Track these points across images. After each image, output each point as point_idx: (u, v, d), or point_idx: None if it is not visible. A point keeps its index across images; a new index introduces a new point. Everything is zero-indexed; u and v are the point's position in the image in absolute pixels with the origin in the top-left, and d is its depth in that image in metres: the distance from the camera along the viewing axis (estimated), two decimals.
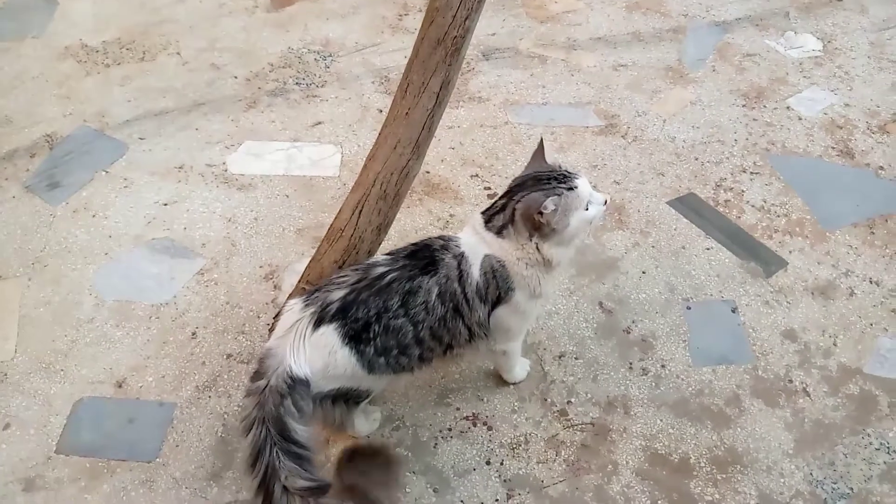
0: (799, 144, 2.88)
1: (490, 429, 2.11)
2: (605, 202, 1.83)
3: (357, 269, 1.81)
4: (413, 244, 1.87)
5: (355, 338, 1.74)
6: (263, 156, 2.87)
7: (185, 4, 3.58)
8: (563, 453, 2.05)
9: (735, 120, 2.98)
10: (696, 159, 2.83)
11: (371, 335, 1.74)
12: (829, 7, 3.49)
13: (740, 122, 2.96)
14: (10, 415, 2.13)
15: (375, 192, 2.01)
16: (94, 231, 2.62)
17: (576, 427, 2.11)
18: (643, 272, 2.49)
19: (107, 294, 2.43)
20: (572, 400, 2.17)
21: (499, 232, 1.81)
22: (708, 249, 2.55)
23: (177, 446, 2.08)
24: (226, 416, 2.14)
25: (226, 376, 2.23)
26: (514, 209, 1.78)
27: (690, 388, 2.20)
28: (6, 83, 3.17)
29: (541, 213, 1.72)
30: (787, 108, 3.02)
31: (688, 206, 2.67)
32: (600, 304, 2.40)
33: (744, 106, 3.03)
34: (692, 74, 3.17)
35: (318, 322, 1.73)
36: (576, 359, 2.27)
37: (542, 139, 1.88)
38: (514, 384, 2.20)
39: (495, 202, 1.86)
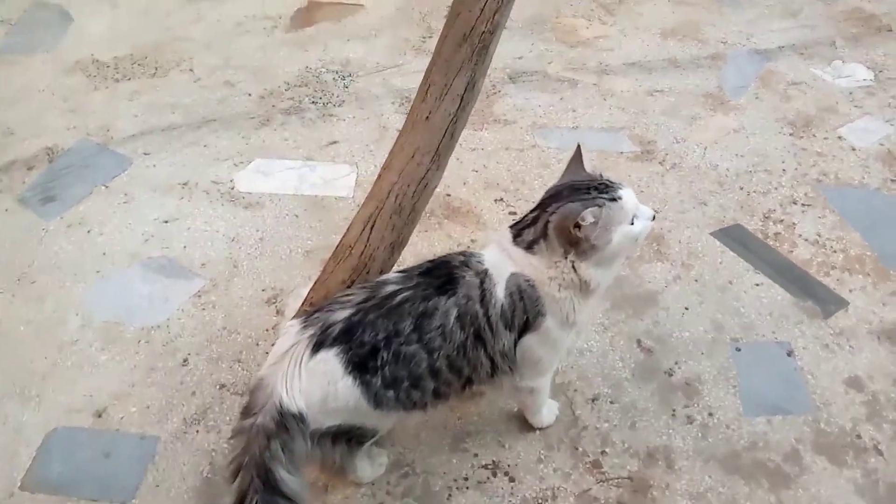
0: (854, 176, 2.64)
1: (512, 480, 1.84)
2: (653, 217, 1.61)
3: (365, 287, 1.59)
4: (429, 261, 1.65)
5: (360, 366, 1.50)
6: (273, 174, 2.68)
7: (202, 24, 3.46)
8: None
9: (782, 149, 2.75)
10: (742, 189, 2.60)
11: (379, 363, 1.51)
12: (879, 36, 3.30)
13: (788, 152, 2.74)
14: None
15: (390, 206, 1.80)
16: (87, 247, 2.43)
17: (611, 481, 1.84)
18: (686, 308, 2.24)
19: (94, 314, 2.22)
20: (607, 450, 1.90)
21: (529, 247, 1.58)
22: (758, 285, 2.29)
23: (156, 486, 1.84)
24: (214, 453, 1.90)
25: (217, 409, 1.99)
26: (548, 221, 1.55)
27: (742, 441, 1.92)
28: (11, 95, 3.04)
29: (578, 227, 1.49)
30: (839, 137, 2.79)
31: (734, 238, 2.43)
32: (638, 342, 2.15)
33: (791, 135, 2.81)
34: (734, 102, 2.97)
35: (318, 346, 1.50)
36: (611, 402, 2.01)
37: (578, 146, 1.66)
38: (540, 429, 1.94)
39: (526, 215, 1.63)
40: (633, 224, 1.56)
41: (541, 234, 1.57)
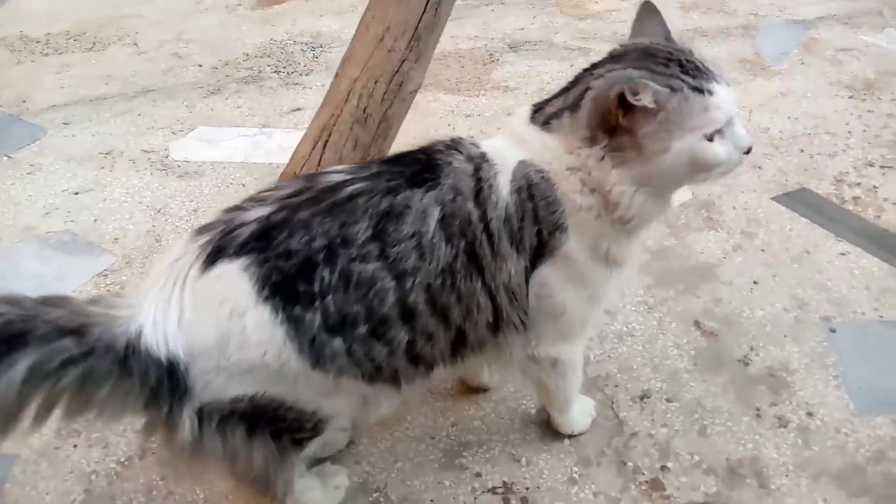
0: None
1: None
2: (749, 149, 1.05)
3: (297, 181, 1.03)
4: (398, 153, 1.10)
5: (285, 289, 0.93)
6: (219, 142, 2.16)
7: (157, 4, 3.02)
8: None
9: (844, 111, 2.26)
10: (802, 151, 2.09)
11: (316, 288, 0.94)
12: None
13: (851, 114, 2.25)
14: None
15: (349, 112, 1.30)
16: None
17: None
18: (755, 282, 1.68)
19: None
20: (669, 464, 1.31)
21: (547, 122, 1.04)
22: (844, 255, 1.75)
23: None
24: (94, 476, 1.29)
25: None
26: (588, 87, 1.02)
27: (864, 450, 1.33)
28: None
29: (625, 105, 0.95)
30: None
31: (803, 202, 1.90)
32: (697, 323, 1.58)
33: (851, 97, 2.32)
34: (775, 67, 2.50)
35: (215, 256, 0.94)
36: (667, 401, 1.42)
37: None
38: (571, 436, 1.35)
39: (558, 88, 1.10)
40: (712, 140, 1.00)
41: (572, 103, 1.03)
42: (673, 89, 0.97)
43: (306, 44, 2.69)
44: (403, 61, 1.28)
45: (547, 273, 1.07)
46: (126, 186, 1.99)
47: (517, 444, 1.35)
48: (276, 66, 2.55)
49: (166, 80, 2.49)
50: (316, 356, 0.96)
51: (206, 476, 1.19)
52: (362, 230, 0.96)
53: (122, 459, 1.33)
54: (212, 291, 0.92)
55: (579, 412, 1.34)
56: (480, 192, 1.02)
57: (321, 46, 2.67)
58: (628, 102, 0.95)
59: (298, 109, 2.30)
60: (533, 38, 2.72)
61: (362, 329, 0.98)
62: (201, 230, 0.98)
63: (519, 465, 1.31)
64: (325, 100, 1.33)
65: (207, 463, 1.01)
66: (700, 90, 0.97)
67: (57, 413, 0.94)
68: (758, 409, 1.41)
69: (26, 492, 1.28)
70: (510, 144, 1.07)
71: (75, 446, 1.35)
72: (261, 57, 2.61)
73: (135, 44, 2.71)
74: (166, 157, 2.10)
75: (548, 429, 1.36)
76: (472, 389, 1.44)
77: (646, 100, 0.95)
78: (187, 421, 0.95)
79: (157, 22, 2.86)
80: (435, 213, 0.99)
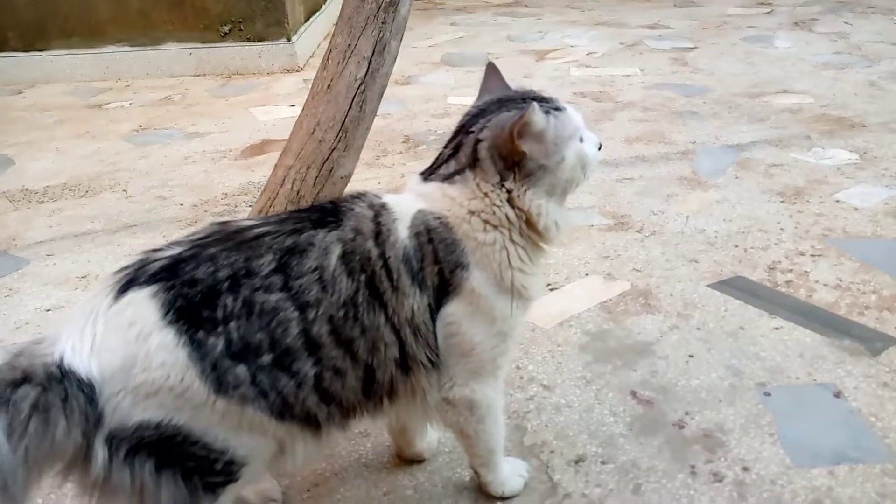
0: (865, 230, 2.26)
1: None
2: (600, 146, 1.23)
3: (210, 227, 1.14)
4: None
5: (189, 314, 1.00)
6: None
7: (149, 159, 3.31)
8: None
9: (776, 213, 2.41)
10: (737, 247, 2.21)
11: (219, 315, 1.01)
12: (854, 130, 3.12)
13: (783, 215, 2.39)
14: None
15: (284, 195, 1.44)
16: None
17: None
18: (690, 356, 1.72)
19: None
20: None
21: (448, 178, 1.18)
22: (778, 329, 1.80)
23: None
24: None
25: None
26: (478, 141, 1.16)
27: (800, 499, 1.31)
28: None
29: (521, 135, 1.11)
30: (837, 201, 2.46)
31: (737, 287, 1.98)
32: (633, 393, 1.60)
33: (782, 202, 2.48)
34: (711, 182, 2.69)
35: (126, 286, 1.02)
36: (602, 463, 1.42)
37: (490, 62, 1.31)
38: (502, 498, 1.33)
39: (440, 154, 1.24)
40: (582, 142, 1.18)
41: (468, 161, 1.17)
42: (546, 111, 1.14)
43: None
44: (333, 150, 1.44)
45: (454, 310, 1.15)
46: None
47: None
48: (251, 202, 2.75)
49: (148, 216, 2.68)
50: (218, 381, 1.01)
51: None
52: (266, 263, 1.05)
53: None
54: (121, 316, 1.00)
55: (510, 473, 1.34)
56: (380, 234, 1.12)
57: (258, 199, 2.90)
58: (521, 133, 1.11)
59: None
60: None
61: (266, 358, 1.04)
62: (119, 270, 1.07)
63: None
64: (264, 187, 1.48)
65: (117, 499, 1.02)
66: (559, 109, 1.17)
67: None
68: (693, 467, 1.40)
69: None
70: (409, 197, 1.19)
71: None
72: (238, 195, 2.83)
73: (124, 190, 2.95)
74: None
75: (480, 494, 1.35)
76: (406, 461, 1.44)
77: (539, 123, 1.11)
78: (99, 451, 0.98)
79: (147, 173, 3.13)
80: (336, 250, 1.09)
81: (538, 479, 1.39)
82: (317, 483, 1.41)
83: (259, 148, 3.38)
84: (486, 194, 1.15)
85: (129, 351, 0.98)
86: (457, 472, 1.42)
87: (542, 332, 1.83)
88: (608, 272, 2.11)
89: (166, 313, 0.99)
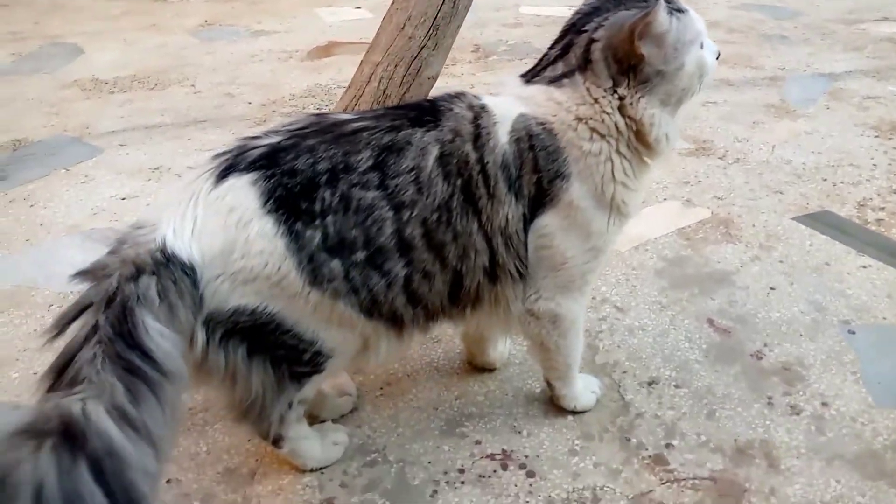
0: None
1: (531, 475, 1.22)
2: (718, 55, 1.15)
3: (307, 118, 1.10)
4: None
5: (288, 204, 0.99)
6: None
7: (215, 56, 3.29)
8: None
9: (869, 148, 2.27)
10: (825, 180, 2.10)
11: (317, 207, 0.99)
12: None
13: (877, 150, 2.26)
14: None
15: (370, 93, 1.39)
16: (24, 219, 2.01)
17: (684, 482, 1.20)
18: (771, 288, 1.66)
19: (4, 278, 1.76)
20: (674, 442, 1.28)
21: (554, 81, 1.12)
22: (865, 267, 1.72)
23: None
24: None
25: None
26: (591, 41, 1.09)
27: (882, 438, 1.27)
28: None
29: (643, 36, 1.03)
30: None
31: (824, 222, 1.90)
32: (710, 321, 1.57)
33: (877, 137, 2.34)
34: (801, 111, 2.54)
35: (226, 172, 1.00)
36: (676, 387, 1.40)
37: None
38: (574, 412, 1.34)
39: (545, 55, 1.17)
40: (702, 48, 1.10)
41: (578, 63, 1.10)
42: (670, 12, 1.05)
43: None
44: (422, 48, 1.39)
45: (548, 222, 1.11)
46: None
47: (519, 417, 1.34)
48: (319, 105, 2.72)
49: (217, 113, 2.68)
50: (313, 273, 1.00)
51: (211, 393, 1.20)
52: (364, 159, 1.02)
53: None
54: (222, 202, 0.99)
55: (583, 388, 1.33)
56: (479, 136, 1.08)
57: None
58: (643, 34, 1.03)
59: None
60: None
61: (360, 254, 1.02)
62: (217, 156, 1.05)
63: (520, 436, 1.30)
64: (349, 84, 1.44)
65: (212, 380, 1.04)
66: (682, 10, 1.08)
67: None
68: (770, 398, 1.37)
69: None
70: (510, 100, 1.14)
71: None
72: (305, 97, 2.79)
73: (192, 85, 2.94)
74: None
75: (551, 406, 1.35)
76: (477, 368, 1.45)
77: (662, 24, 1.03)
78: (199, 333, 0.99)
79: (214, 69, 3.11)
80: (434, 151, 1.06)
81: (609, 397, 1.38)
82: (389, 382, 1.42)
83: (325, 50, 3.31)
84: (596, 100, 1.09)
85: (228, 236, 0.97)
86: (527, 383, 1.42)
87: (617, 254, 1.79)
88: (687, 198, 2.03)
89: (266, 202, 0.98)
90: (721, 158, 2.24)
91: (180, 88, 2.91)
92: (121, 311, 0.90)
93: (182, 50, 3.36)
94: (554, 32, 1.17)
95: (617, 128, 1.09)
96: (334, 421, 1.32)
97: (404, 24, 1.39)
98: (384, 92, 1.37)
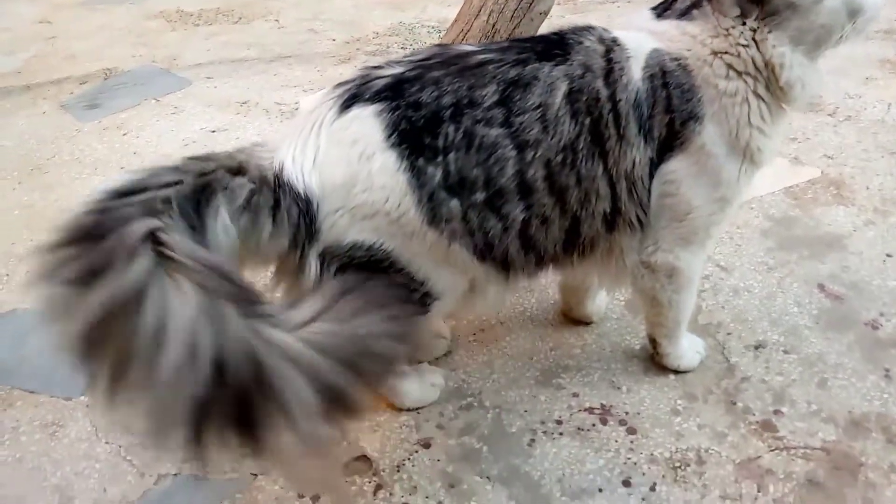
0: None
1: (632, 432, 1.18)
2: None
3: (431, 49, 1.06)
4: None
5: (412, 138, 0.95)
6: None
7: None
8: (771, 489, 1.09)
9: None
10: None
11: (440, 143, 0.96)
12: None
13: None
14: None
15: (479, 27, 1.33)
16: (119, 147, 2.05)
17: (794, 451, 1.15)
18: (888, 255, 1.56)
19: None
20: (783, 409, 1.22)
21: (685, 13, 1.04)
22: None
23: None
24: None
25: None
26: None
27: None
28: (84, 31, 2.84)
29: None
30: None
31: None
32: (821, 286, 1.48)
33: None
34: None
35: (350, 101, 0.97)
36: (784, 352, 1.34)
37: None
38: (676, 372, 1.29)
39: None
40: None
41: None
42: None
43: (433, 27, 2.79)
44: None
45: (676, 167, 1.04)
46: (257, 129, 2.12)
47: (618, 373, 1.30)
48: (403, 44, 2.66)
49: (302, 49, 2.65)
50: (433, 212, 0.97)
51: None
52: (489, 94, 0.98)
53: None
54: (345, 132, 0.96)
55: (688, 347, 1.28)
56: (611, 72, 1.01)
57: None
58: None
59: None
60: None
61: (479, 195, 0.98)
62: (340, 84, 1.02)
63: (619, 392, 1.26)
64: (456, 17, 1.38)
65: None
66: None
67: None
68: (887, 371, 1.29)
69: None
70: (642, 34, 1.06)
71: None
72: (389, 35, 2.73)
73: (276, 20, 2.92)
74: (296, 108, 2.22)
75: (651, 364, 1.31)
76: (573, 320, 1.41)
77: None
78: (313, 264, 0.98)
79: (297, 4, 3.07)
80: (562, 87, 1.00)
81: (713, 358, 1.33)
82: (482, 328, 1.40)
83: None
84: (727, 31, 1.00)
85: (351, 169, 0.95)
86: (625, 338, 1.38)
87: None
88: (795, 156, 1.92)
89: (390, 135, 0.94)
90: (831, 115, 2.10)
91: (264, 23, 2.89)
92: (204, 186, 0.91)
93: None
94: None
95: (755, 63, 1.01)
96: (430, 363, 1.31)
97: None
98: (493, 26, 1.31)
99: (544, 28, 1.63)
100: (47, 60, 2.60)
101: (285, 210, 0.95)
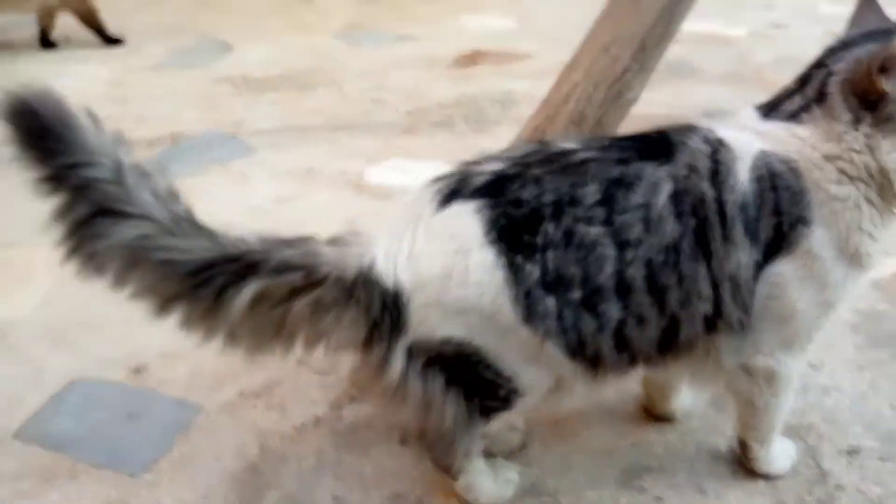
0: None
1: None
2: None
3: (530, 146, 1.05)
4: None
5: (511, 235, 0.93)
6: (412, 171, 2.27)
7: (361, 59, 3.32)
8: None
9: None
10: None
11: (539, 241, 0.93)
12: None
13: None
14: None
15: (566, 114, 1.31)
16: None
17: None
18: None
19: None
20: None
21: (793, 116, 1.01)
22: None
23: (180, 462, 1.27)
24: (268, 436, 1.32)
25: (288, 385, 1.44)
26: (829, 74, 0.98)
27: None
28: (154, 94, 2.93)
29: (884, 69, 0.93)
30: None
31: None
32: None
33: None
34: None
35: (450, 197, 0.96)
36: (881, 460, 1.25)
37: None
38: (766, 477, 1.21)
39: (785, 88, 1.07)
40: None
41: (815, 95, 1.00)
42: None
43: (497, 99, 2.81)
44: (626, 70, 1.30)
45: (783, 270, 1.00)
46: (323, 199, 2.13)
47: (704, 475, 1.23)
48: (467, 116, 2.68)
49: (366, 119, 2.68)
50: (528, 310, 0.94)
51: (401, 419, 1.17)
52: (591, 193, 0.95)
53: (297, 424, 1.35)
54: (444, 227, 0.95)
55: (780, 452, 1.21)
56: (718, 173, 0.98)
57: (511, 102, 2.78)
58: (885, 68, 0.94)
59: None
60: (728, 108, 2.69)
61: (576, 294, 0.95)
62: (438, 178, 1.01)
63: (706, 497, 1.18)
64: (543, 102, 1.37)
65: (405, 406, 1.00)
66: None
67: (299, 341, 1.01)
68: None
69: (207, 439, 1.32)
70: (747, 135, 1.03)
71: (255, 406, 1.39)
72: (453, 107, 2.76)
73: (339, 88, 2.97)
74: (361, 179, 2.24)
75: (738, 466, 1.23)
76: (654, 416, 1.34)
77: None
78: (399, 357, 0.97)
79: (360, 73, 3.14)
80: (667, 187, 0.97)
81: (805, 463, 1.24)
82: (557, 422, 1.34)
83: (470, 59, 3.28)
84: (840, 136, 0.97)
85: (447, 263, 0.93)
86: (711, 438, 1.30)
87: None
88: None
89: (489, 231, 0.93)
90: None
91: (327, 91, 2.95)
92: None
93: (328, 52, 3.42)
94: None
95: (868, 170, 0.97)
96: (504, 458, 1.25)
97: (610, 45, 1.30)
98: (581, 113, 1.29)
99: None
100: (119, 123, 2.66)
101: (363, 305, 0.97)
